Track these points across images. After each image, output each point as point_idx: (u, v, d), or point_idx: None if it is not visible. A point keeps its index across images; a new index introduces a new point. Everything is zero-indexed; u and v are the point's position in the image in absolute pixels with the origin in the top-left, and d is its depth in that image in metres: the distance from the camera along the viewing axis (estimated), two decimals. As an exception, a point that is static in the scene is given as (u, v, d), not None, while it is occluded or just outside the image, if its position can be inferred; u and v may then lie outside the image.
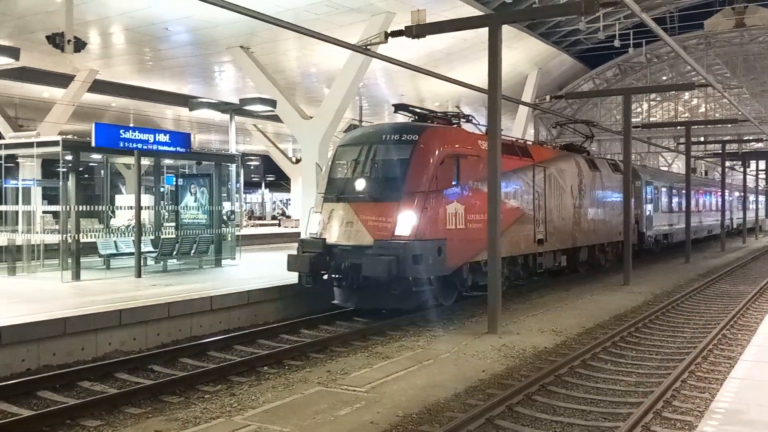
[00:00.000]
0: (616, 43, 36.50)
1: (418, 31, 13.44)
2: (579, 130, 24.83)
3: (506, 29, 13.67)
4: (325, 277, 13.88)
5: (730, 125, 39.95)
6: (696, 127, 37.49)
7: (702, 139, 42.65)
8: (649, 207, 27.70)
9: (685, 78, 44.59)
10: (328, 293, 14.24)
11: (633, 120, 26.70)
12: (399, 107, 15.71)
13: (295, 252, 14.22)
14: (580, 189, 20.55)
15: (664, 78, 47.22)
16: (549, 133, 51.06)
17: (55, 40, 7.94)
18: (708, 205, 40.30)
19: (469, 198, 14.42)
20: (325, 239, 13.69)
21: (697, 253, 30.59)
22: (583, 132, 24.07)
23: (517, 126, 40.22)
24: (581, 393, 8.82)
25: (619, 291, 18.33)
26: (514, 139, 18.88)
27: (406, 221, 13.11)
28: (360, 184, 13.83)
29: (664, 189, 31.00)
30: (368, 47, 15.34)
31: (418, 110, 15.94)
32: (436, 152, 13.77)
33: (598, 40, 38.71)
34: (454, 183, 13.95)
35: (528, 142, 19.46)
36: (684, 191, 31.80)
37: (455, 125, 16.02)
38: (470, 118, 17.00)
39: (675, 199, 32.78)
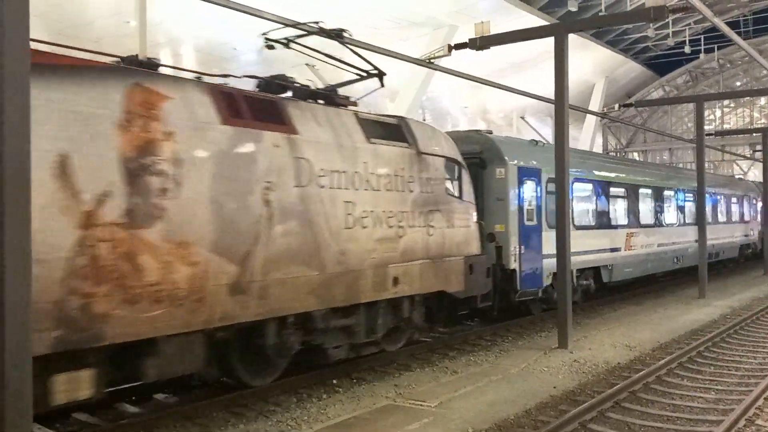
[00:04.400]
0: (687, 49, 35.58)
1: (482, 42, 13.42)
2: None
3: (572, 38, 13.49)
4: None
5: (810, 131, 38.22)
6: (773, 133, 36.07)
7: (780, 145, 41.01)
8: (530, 219, 14.54)
9: (760, 83, 43.09)
10: None
11: (706, 128, 25.08)
12: None
13: None
14: (218, 181, 7.92)
15: (738, 83, 45.75)
16: (618, 142, 50.10)
17: (129, 62, 8.27)
18: (716, 215, 26.79)
19: None
20: None
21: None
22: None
23: (585, 136, 39.57)
24: (657, 410, 8.54)
25: (693, 304, 17.76)
26: None
27: None
28: None
29: (580, 185, 16.86)
30: (431, 60, 15.36)
31: None
32: None
33: (668, 46, 37.88)
34: None
35: None
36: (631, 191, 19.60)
37: None
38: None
39: (619, 205, 18.71)
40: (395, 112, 24.88)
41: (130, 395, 9.27)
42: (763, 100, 46.56)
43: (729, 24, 28.56)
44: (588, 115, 37.61)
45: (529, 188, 14.59)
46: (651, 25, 31.39)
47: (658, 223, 20.85)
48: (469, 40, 13.56)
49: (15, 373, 4.93)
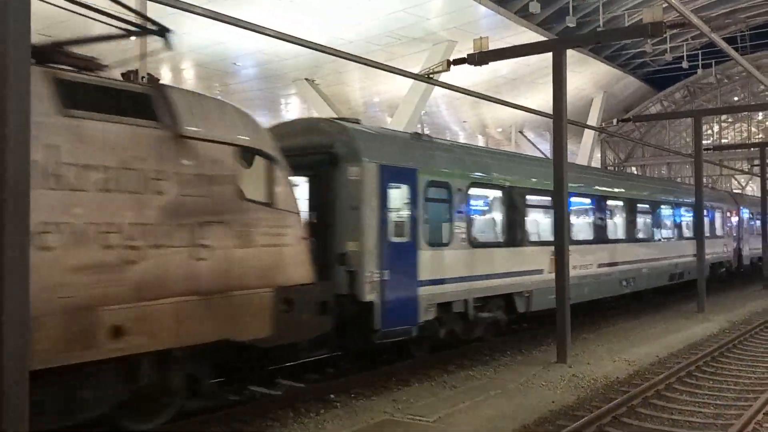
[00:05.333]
0: (685, 64, 35.78)
1: (480, 58, 13.50)
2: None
3: (570, 53, 13.58)
4: None
5: (807, 145, 38.29)
6: (771, 147, 36.16)
7: (778, 160, 41.11)
8: (398, 234, 11.16)
9: (758, 98, 43.28)
10: None
11: (704, 142, 24.85)
12: None
13: None
14: None
15: (736, 98, 45.94)
16: (617, 157, 50.24)
17: (130, 78, 8.32)
18: (680, 229, 22.60)
19: None
20: None
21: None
22: None
23: (583, 150, 39.68)
24: (655, 425, 8.52)
25: (692, 319, 17.73)
26: None
27: None
28: None
29: (482, 192, 13.77)
30: (431, 76, 15.46)
31: None
32: None
33: (666, 61, 38.05)
34: None
35: None
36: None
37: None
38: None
39: (541, 218, 15.17)
40: (394, 126, 25.00)
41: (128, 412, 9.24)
42: (760, 115, 46.74)
43: (726, 40, 28.71)
44: (586, 130, 37.73)
45: (398, 194, 11.18)
46: (649, 40, 31.56)
47: (599, 240, 17.10)
48: (468, 55, 13.65)
49: (14, 390, 4.94)
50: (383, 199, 10.76)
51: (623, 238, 18.46)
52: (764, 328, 15.94)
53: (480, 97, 17.66)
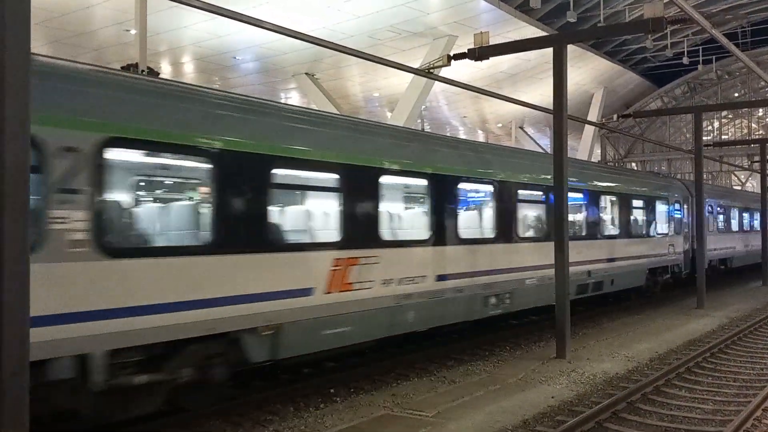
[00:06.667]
0: (685, 60, 35.68)
1: (481, 53, 13.46)
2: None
3: (571, 48, 13.55)
4: None
5: (808, 142, 38.21)
6: (772, 144, 36.09)
7: (778, 156, 41.04)
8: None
9: (758, 94, 43.25)
10: None
11: (704, 138, 24.68)
12: None
13: None
14: None
15: (736, 94, 45.90)
16: (617, 153, 50.20)
17: (129, 71, 8.30)
18: (599, 224, 16.78)
19: None
20: None
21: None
22: None
23: (583, 146, 39.66)
24: (655, 420, 8.53)
25: (692, 314, 17.74)
26: None
27: None
28: None
29: (162, 163, 8.07)
30: (431, 71, 15.42)
31: None
32: None
33: (666, 57, 37.96)
34: None
35: None
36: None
37: None
38: None
39: (315, 205, 10.10)
40: (394, 121, 24.96)
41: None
42: (761, 111, 46.70)
43: (727, 35, 28.59)
44: (586, 125, 37.70)
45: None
46: (649, 36, 31.50)
47: (444, 239, 11.40)
48: (469, 50, 13.61)
49: (13, 381, 4.93)
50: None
51: (492, 237, 12.80)
52: (763, 325, 15.95)
53: (480, 92, 17.62)
